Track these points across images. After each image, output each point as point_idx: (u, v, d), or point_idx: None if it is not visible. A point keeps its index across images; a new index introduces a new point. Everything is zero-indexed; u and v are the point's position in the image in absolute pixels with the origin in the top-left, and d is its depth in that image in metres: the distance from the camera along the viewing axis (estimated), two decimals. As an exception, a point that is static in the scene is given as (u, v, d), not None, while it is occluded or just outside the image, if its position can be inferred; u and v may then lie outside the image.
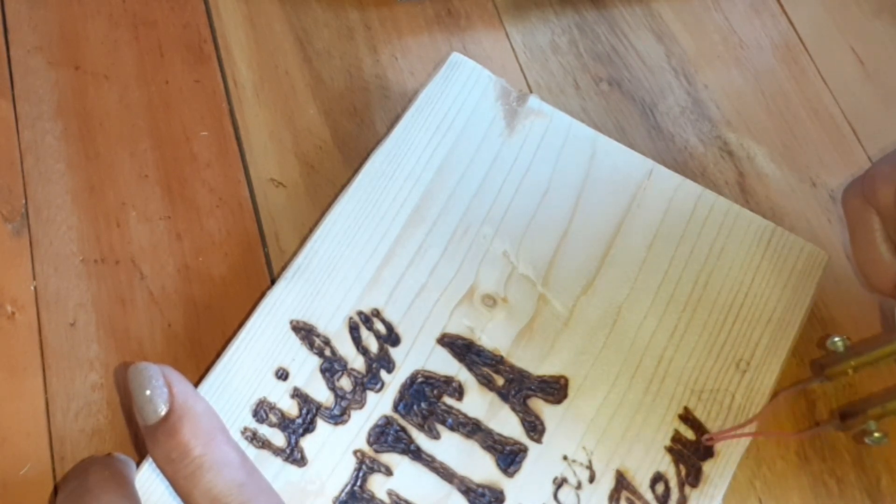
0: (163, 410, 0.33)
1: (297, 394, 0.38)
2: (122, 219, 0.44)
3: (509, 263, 0.42)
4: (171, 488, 0.33)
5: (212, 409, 0.35)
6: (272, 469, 0.37)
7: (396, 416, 0.38)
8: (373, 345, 0.39)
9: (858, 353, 0.39)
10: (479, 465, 0.38)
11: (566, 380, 0.40)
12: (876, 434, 0.38)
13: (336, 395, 0.38)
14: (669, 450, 0.39)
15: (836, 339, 0.39)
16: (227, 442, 0.34)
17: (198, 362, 0.40)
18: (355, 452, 0.37)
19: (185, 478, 0.32)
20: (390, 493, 0.37)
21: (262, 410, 0.38)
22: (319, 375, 0.39)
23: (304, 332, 0.39)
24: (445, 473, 0.38)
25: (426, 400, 0.39)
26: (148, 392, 0.33)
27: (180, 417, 0.33)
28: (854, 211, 0.40)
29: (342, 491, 0.37)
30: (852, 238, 0.41)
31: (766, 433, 0.40)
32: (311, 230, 0.42)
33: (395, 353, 0.39)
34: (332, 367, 0.39)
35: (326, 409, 0.38)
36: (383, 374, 0.39)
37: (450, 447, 0.38)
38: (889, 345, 0.39)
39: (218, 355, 0.39)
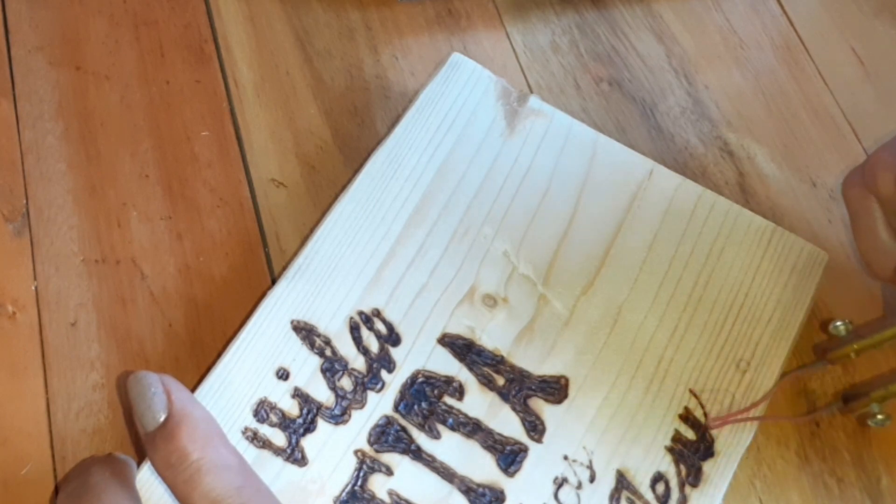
0: (161, 417, 0.33)
1: (298, 394, 0.38)
2: (123, 219, 0.44)
3: (510, 263, 0.42)
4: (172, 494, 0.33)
5: (209, 414, 0.35)
6: (273, 469, 0.37)
7: (397, 416, 0.38)
8: (373, 345, 0.39)
9: (861, 337, 0.39)
10: (479, 465, 0.38)
11: (567, 380, 0.40)
12: (879, 416, 0.39)
13: (337, 395, 0.38)
14: (670, 450, 0.39)
15: (839, 323, 0.39)
16: (224, 446, 0.34)
17: (199, 362, 0.40)
18: (356, 452, 0.37)
19: (184, 482, 0.32)
20: (391, 493, 0.37)
21: (263, 410, 0.38)
22: (320, 375, 0.39)
23: (305, 332, 0.39)
24: (446, 473, 0.38)
25: (427, 400, 0.39)
26: (147, 400, 0.34)
27: (178, 423, 0.33)
28: (854, 199, 0.40)
29: (343, 491, 0.37)
30: (853, 226, 0.41)
31: (767, 417, 0.40)
32: (311, 230, 0.42)
33: (395, 352, 0.40)
34: (332, 366, 0.39)
35: (327, 408, 0.38)
36: (384, 373, 0.39)
37: (450, 447, 0.38)
38: (892, 328, 0.39)
39: (219, 355, 0.39)
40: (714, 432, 0.39)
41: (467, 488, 0.37)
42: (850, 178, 0.41)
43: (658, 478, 0.38)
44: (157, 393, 0.34)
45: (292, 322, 0.39)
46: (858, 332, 0.40)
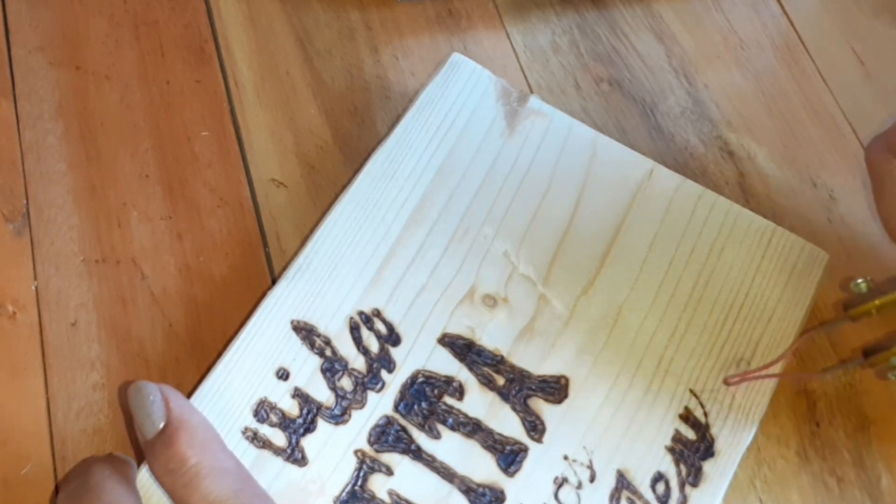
0: (160, 424, 0.34)
1: (298, 394, 0.38)
2: (123, 219, 0.44)
3: (510, 263, 0.42)
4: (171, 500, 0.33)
5: (207, 421, 0.35)
6: (273, 469, 0.37)
7: (397, 416, 0.38)
8: (373, 345, 0.40)
9: (882, 293, 0.39)
10: (479, 465, 0.38)
11: (567, 379, 0.40)
12: None
13: (337, 395, 0.38)
14: (670, 449, 0.39)
15: (860, 280, 0.39)
16: (222, 450, 0.34)
17: (199, 362, 0.40)
18: (356, 452, 0.38)
19: (183, 486, 0.33)
20: (391, 493, 0.37)
21: (263, 410, 0.38)
22: (320, 375, 0.39)
23: (305, 331, 0.39)
24: (446, 473, 0.38)
25: (427, 400, 0.39)
26: (146, 408, 0.34)
27: (177, 429, 0.34)
28: (879, 164, 0.39)
29: (343, 491, 0.37)
30: (876, 192, 0.40)
31: (785, 375, 0.40)
32: (311, 230, 0.42)
33: (395, 352, 0.40)
34: (332, 366, 0.39)
35: (327, 408, 0.38)
36: (384, 373, 0.39)
37: (450, 447, 0.38)
38: None
39: (219, 355, 0.39)
40: (714, 431, 0.39)
41: (467, 488, 0.37)
42: (873, 143, 0.40)
43: (658, 478, 0.38)
44: (156, 401, 0.34)
45: (292, 322, 0.39)
46: (880, 288, 0.39)
